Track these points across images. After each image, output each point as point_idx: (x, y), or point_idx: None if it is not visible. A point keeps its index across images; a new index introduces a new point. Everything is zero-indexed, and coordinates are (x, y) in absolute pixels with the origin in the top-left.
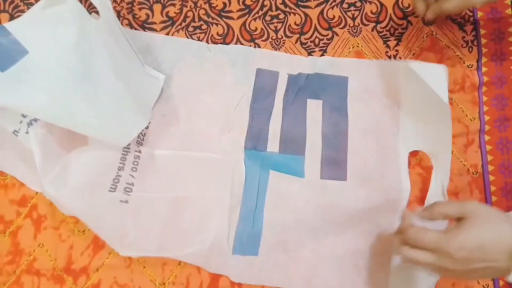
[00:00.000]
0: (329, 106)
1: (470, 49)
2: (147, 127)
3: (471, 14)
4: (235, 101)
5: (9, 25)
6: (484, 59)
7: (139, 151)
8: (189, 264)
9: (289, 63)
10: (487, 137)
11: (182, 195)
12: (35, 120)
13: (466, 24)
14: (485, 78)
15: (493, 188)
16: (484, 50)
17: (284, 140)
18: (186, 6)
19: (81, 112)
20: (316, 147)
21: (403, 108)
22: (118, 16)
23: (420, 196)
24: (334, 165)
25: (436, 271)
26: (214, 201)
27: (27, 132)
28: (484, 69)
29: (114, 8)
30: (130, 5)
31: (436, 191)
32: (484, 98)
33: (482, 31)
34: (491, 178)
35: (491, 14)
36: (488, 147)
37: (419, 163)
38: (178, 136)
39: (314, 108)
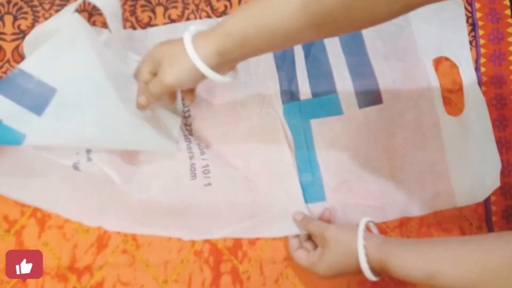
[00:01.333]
0: (345, 40)
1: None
2: (189, 116)
3: (470, 14)
4: (260, 63)
5: (27, 66)
6: (483, 60)
7: (199, 138)
8: (192, 262)
9: None
10: None
11: (251, 166)
12: None
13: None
14: (484, 78)
15: None
16: (483, 50)
17: (313, 84)
18: (188, 9)
19: (126, 128)
20: (345, 80)
21: (414, 20)
22: (121, 18)
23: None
24: (368, 92)
25: None
26: (278, 163)
27: (89, 160)
28: (483, 69)
29: None
30: (132, 8)
31: (470, 83)
32: (483, 98)
33: (480, 32)
34: None
35: (490, 15)
36: None
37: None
38: (223, 114)
39: (332, 45)
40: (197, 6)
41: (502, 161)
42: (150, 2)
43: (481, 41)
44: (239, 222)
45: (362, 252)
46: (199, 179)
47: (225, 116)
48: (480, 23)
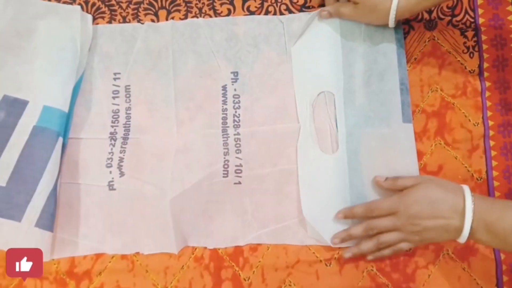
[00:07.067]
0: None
1: (471, 55)
2: (239, 107)
3: (472, 20)
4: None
5: None
6: (485, 65)
7: (238, 134)
8: (192, 269)
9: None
10: (491, 143)
11: (287, 167)
12: (121, 160)
13: (467, 30)
14: (488, 83)
15: (497, 194)
16: (485, 56)
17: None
18: (191, 12)
19: None
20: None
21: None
22: (124, 21)
23: None
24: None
25: (396, 238)
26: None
27: (122, 175)
28: (486, 74)
29: (120, 14)
30: (135, 11)
31: None
32: (488, 103)
33: (483, 37)
34: (496, 183)
35: (492, 20)
36: (493, 153)
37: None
38: (269, 111)
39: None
40: (200, 9)
41: (507, 166)
42: (153, 5)
43: (484, 46)
44: (263, 226)
45: (470, 207)
46: (230, 177)
47: (275, 111)
48: (482, 28)
